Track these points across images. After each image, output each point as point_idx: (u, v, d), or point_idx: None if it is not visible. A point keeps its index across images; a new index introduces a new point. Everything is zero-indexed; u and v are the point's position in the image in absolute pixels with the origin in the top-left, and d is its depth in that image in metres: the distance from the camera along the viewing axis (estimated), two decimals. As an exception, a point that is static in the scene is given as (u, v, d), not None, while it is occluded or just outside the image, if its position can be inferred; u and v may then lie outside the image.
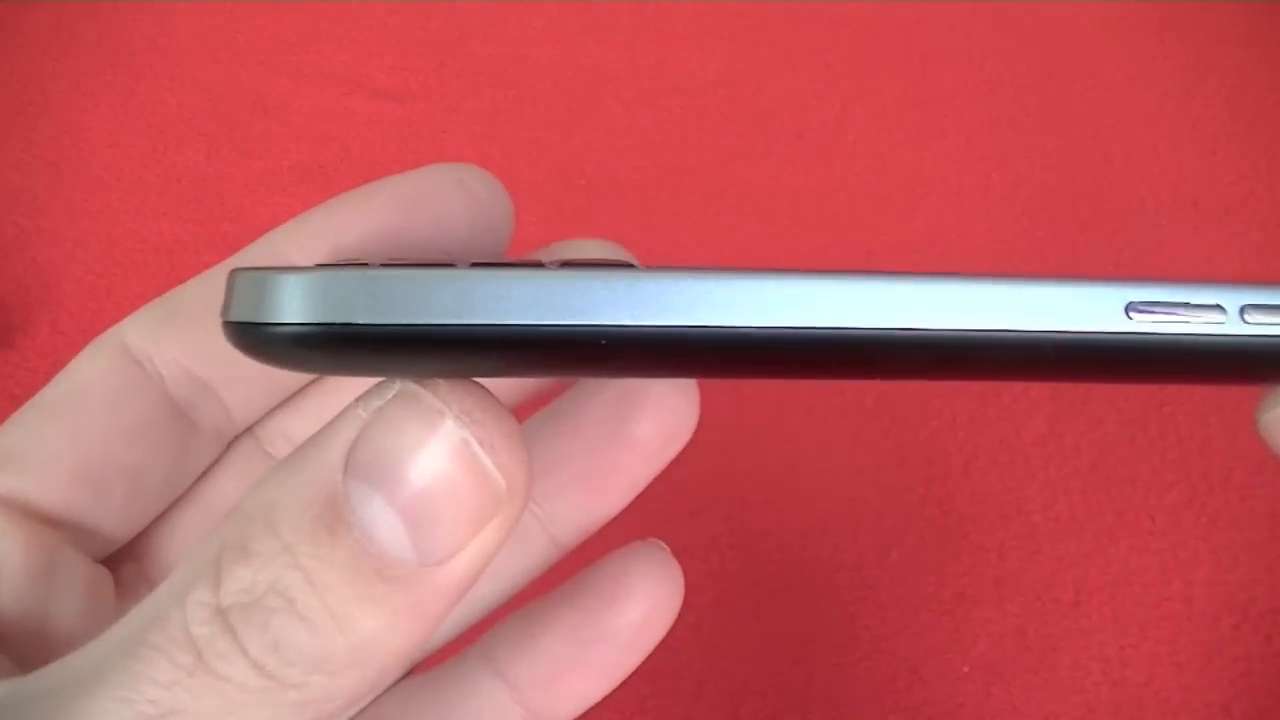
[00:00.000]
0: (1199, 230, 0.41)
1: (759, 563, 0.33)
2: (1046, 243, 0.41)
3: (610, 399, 0.18)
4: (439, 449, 0.12)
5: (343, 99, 0.44)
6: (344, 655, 0.12)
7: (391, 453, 0.12)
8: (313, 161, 0.42)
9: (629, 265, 0.13)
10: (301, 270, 0.12)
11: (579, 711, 0.18)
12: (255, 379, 0.18)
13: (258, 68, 0.45)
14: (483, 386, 0.13)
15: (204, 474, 0.19)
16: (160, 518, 0.18)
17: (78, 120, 0.43)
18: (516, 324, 0.12)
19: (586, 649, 0.18)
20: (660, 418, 0.18)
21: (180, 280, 0.18)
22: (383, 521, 0.12)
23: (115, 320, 0.18)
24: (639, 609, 0.18)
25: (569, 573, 0.19)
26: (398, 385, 0.13)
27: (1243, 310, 0.13)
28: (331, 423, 0.13)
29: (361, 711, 0.18)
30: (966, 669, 0.31)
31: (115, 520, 0.17)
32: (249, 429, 0.19)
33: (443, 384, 0.13)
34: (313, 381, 0.19)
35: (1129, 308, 0.13)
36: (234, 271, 0.12)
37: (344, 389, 0.13)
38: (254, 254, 0.17)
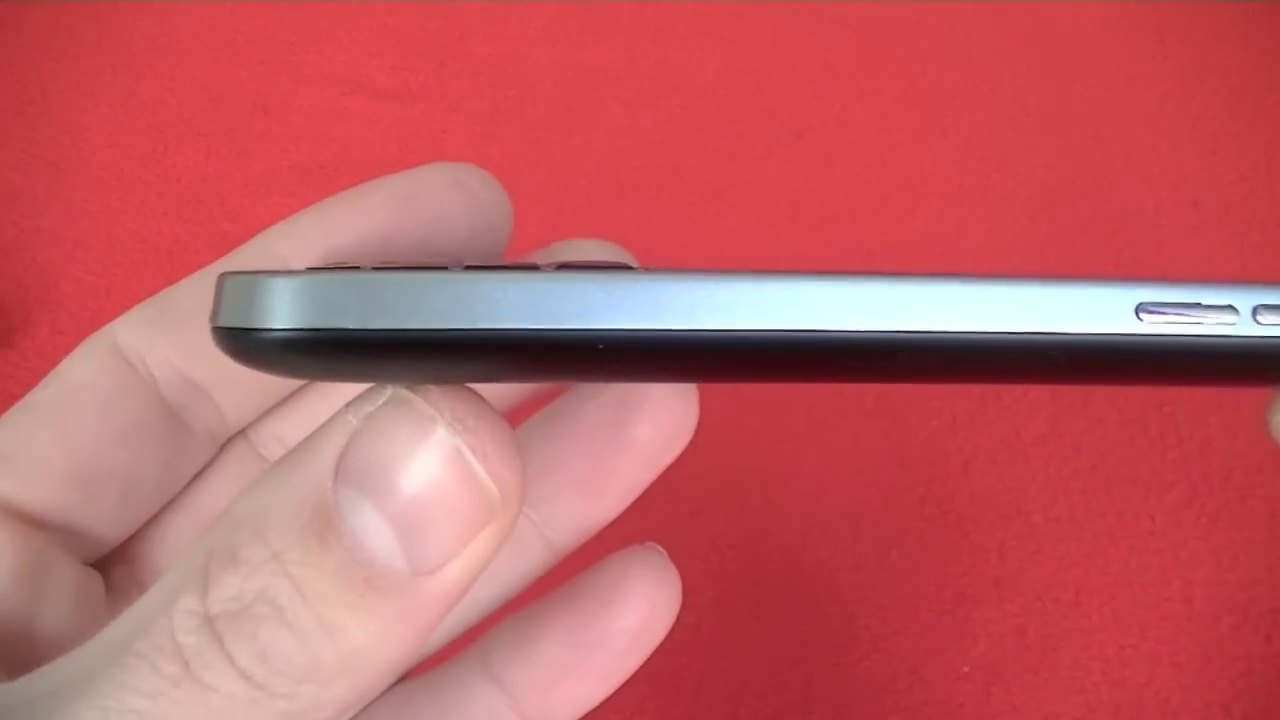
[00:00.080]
0: (1199, 230, 0.41)
1: (759, 563, 0.33)
2: (1047, 243, 0.41)
3: (608, 402, 0.18)
4: (431, 457, 0.12)
5: (343, 99, 0.44)
6: (333, 665, 0.12)
7: (382, 460, 0.12)
8: (313, 161, 0.42)
9: (627, 267, 0.12)
10: (291, 274, 0.12)
11: (576, 716, 0.18)
12: (249, 381, 0.18)
13: (258, 68, 0.45)
14: (476, 392, 0.13)
15: (197, 476, 0.19)
16: (152, 520, 0.18)
17: (78, 120, 0.43)
18: (511, 328, 0.12)
19: (583, 653, 0.18)
20: (659, 421, 0.18)
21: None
22: (373, 530, 0.12)
23: (115, 320, 0.18)
24: (636, 614, 0.18)
25: (566, 576, 0.19)
26: (389, 391, 0.12)
27: (1255, 311, 0.13)
28: (322, 428, 0.13)
29: (355, 716, 0.18)
30: (966, 669, 0.31)
31: (106, 523, 0.17)
32: (242, 431, 0.19)
33: (435, 390, 0.12)
34: (308, 383, 0.18)
35: (1139, 309, 0.12)
36: (223, 275, 0.12)
37: (339, 391, 0.13)
38: (247, 254, 0.17)
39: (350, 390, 0.13)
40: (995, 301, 0.12)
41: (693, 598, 0.32)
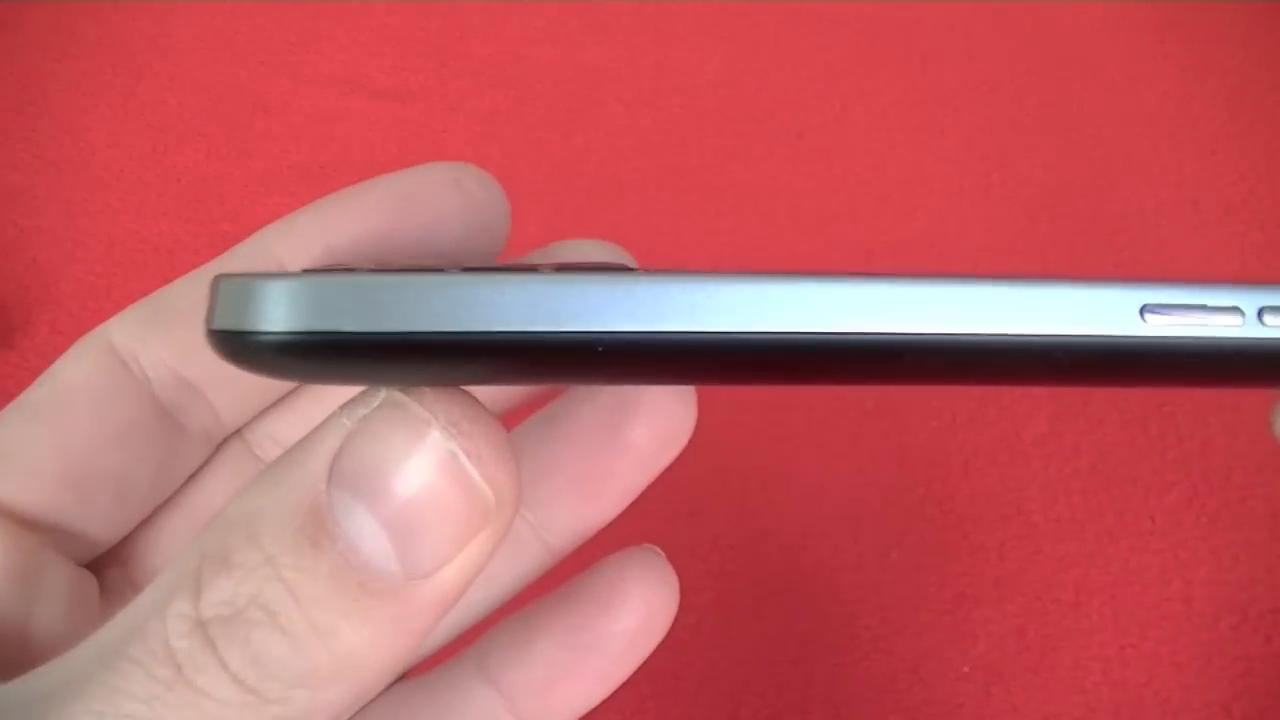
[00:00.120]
0: (1199, 230, 0.41)
1: (759, 563, 0.33)
2: (1047, 243, 0.41)
3: (605, 404, 0.18)
4: (425, 461, 0.12)
5: (343, 99, 0.44)
6: (327, 670, 0.12)
7: (376, 463, 0.12)
8: (313, 161, 0.42)
9: (626, 269, 0.12)
10: (286, 276, 0.12)
11: (573, 718, 0.18)
12: (244, 381, 0.17)
13: (258, 68, 0.45)
14: (470, 395, 0.13)
15: (192, 477, 0.18)
16: (147, 521, 0.18)
17: (78, 120, 0.43)
18: (509, 331, 0.11)
19: (580, 655, 0.18)
20: (656, 423, 0.18)
21: (179, 280, 0.18)
22: (367, 533, 0.12)
23: (115, 321, 0.18)
24: (633, 616, 0.18)
25: (563, 577, 0.19)
26: (383, 393, 0.12)
27: (1261, 312, 0.12)
28: (316, 431, 0.13)
29: (350, 717, 0.18)
30: (966, 669, 0.31)
31: (100, 524, 0.17)
32: (238, 431, 0.19)
33: (429, 392, 0.12)
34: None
35: (1144, 310, 0.12)
36: (218, 278, 0.12)
37: (334, 391, 0.13)
38: (243, 253, 0.17)
39: (346, 390, 0.13)
40: (997, 303, 0.12)
41: (693, 598, 0.32)
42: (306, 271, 0.12)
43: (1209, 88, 0.45)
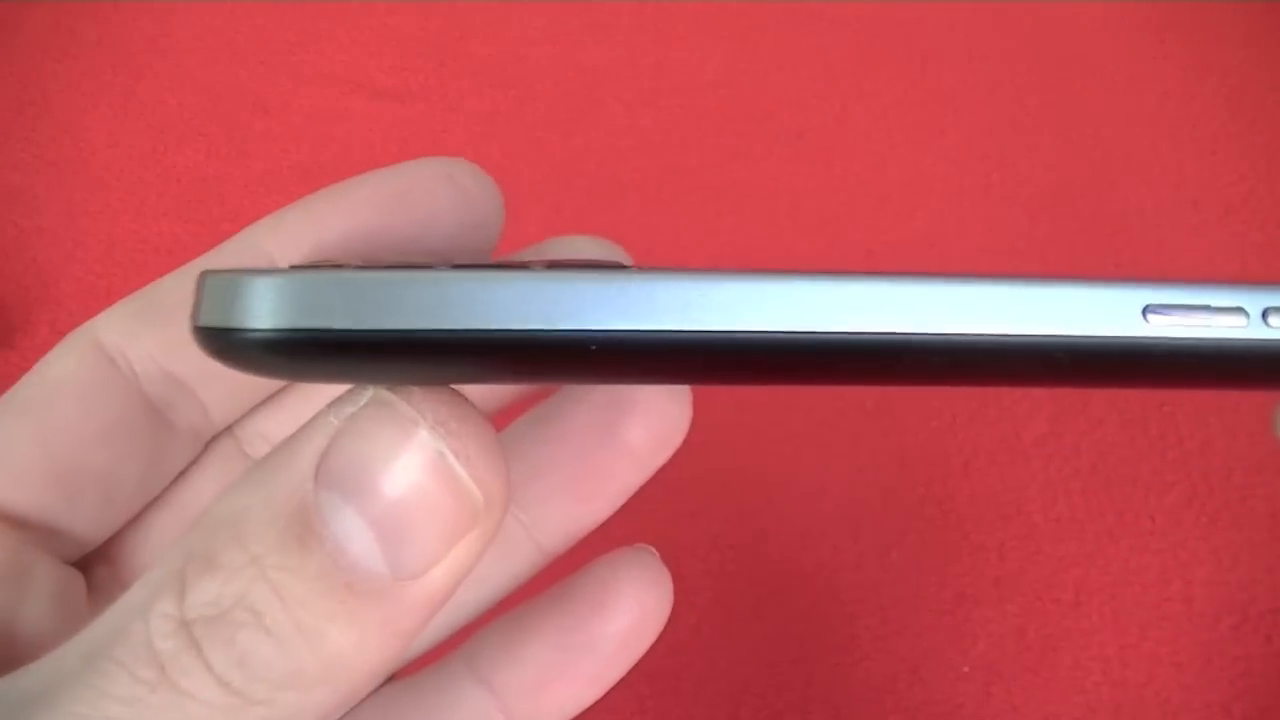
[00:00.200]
0: (1199, 230, 0.41)
1: (759, 563, 0.33)
2: (1047, 243, 0.41)
3: (599, 403, 0.18)
4: (412, 461, 0.12)
5: (343, 99, 0.44)
6: (313, 672, 0.12)
7: (364, 463, 0.12)
8: (313, 161, 0.42)
9: (619, 266, 0.12)
10: (273, 273, 0.11)
11: (565, 719, 0.18)
12: (234, 377, 0.17)
13: (258, 68, 0.45)
14: (459, 394, 0.13)
15: (181, 475, 0.18)
16: (135, 520, 0.18)
17: (78, 120, 0.43)
18: (499, 329, 0.11)
19: (573, 656, 0.17)
20: (651, 423, 0.17)
21: (179, 281, 0.18)
22: (355, 533, 0.12)
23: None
24: (626, 617, 0.17)
25: (556, 576, 0.18)
26: (370, 391, 0.12)
27: (1265, 313, 0.12)
28: (302, 429, 0.12)
29: (339, 718, 0.18)
30: (966, 669, 0.31)
31: (87, 522, 0.17)
32: (228, 428, 0.18)
33: (417, 391, 0.12)
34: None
35: (1146, 310, 0.12)
36: (203, 274, 0.12)
37: (327, 390, 0.13)
38: (232, 250, 0.17)
39: (336, 388, 0.13)
40: (997, 302, 0.12)
41: (693, 598, 0.32)
42: (293, 268, 0.12)
43: (1209, 88, 0.45)
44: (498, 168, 0.18)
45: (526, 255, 0.18)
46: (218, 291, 0.12)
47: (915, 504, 0.34)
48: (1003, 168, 0.43)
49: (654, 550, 0.18)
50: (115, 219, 0.40)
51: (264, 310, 0.11)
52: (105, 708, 0.12)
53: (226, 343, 0.11)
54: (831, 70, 0.46)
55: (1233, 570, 0.33)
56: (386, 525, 0.12)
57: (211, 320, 0.12)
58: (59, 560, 0.17)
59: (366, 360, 0.11)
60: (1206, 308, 0.12)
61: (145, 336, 0.17)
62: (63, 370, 0.17)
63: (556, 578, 0.18)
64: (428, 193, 0.16)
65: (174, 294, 0.17)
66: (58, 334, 0.39)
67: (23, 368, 0.17)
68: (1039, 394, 0.36)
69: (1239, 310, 0.12)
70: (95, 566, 0.18)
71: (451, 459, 0.12)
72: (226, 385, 0.18)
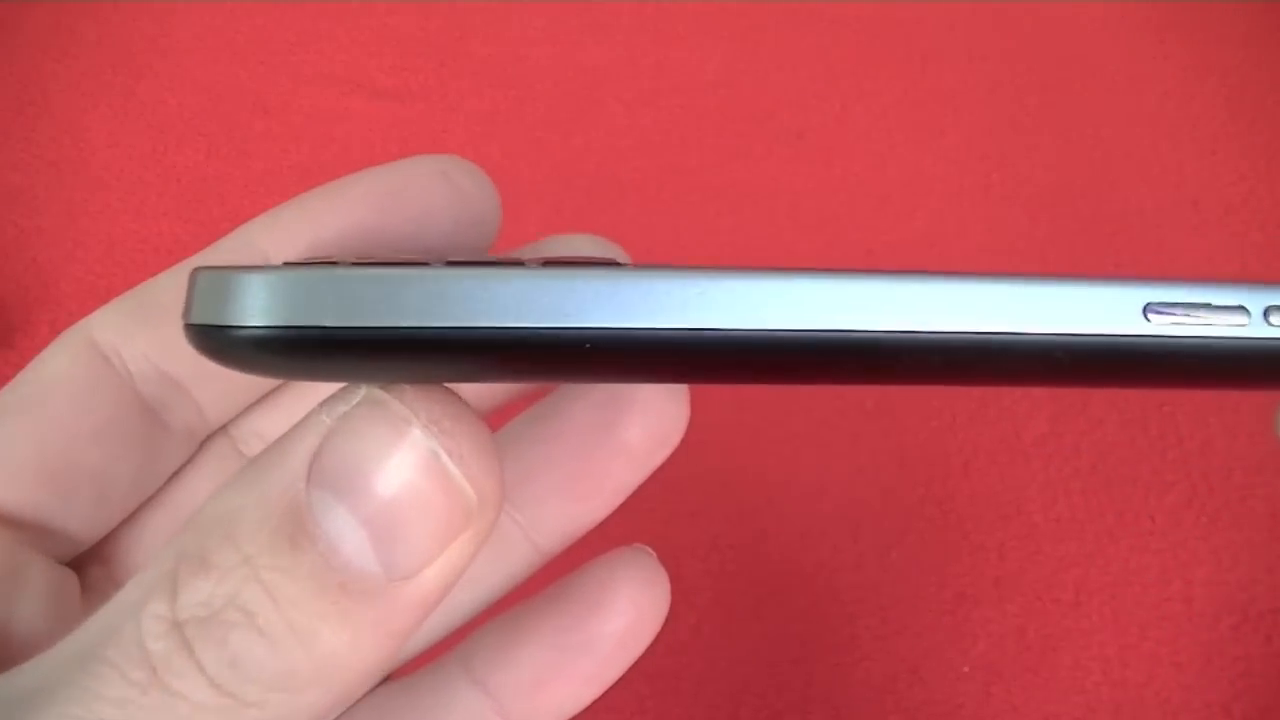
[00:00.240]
0: (1199, 230, 0.41)
1: (759, 563, 0.33)
2: (1047, 243, 0.41)
3: (596, 402, 0.17)
4: (405, 460, 0.12)
5: (343, 99, 0.44)
6: (305, 673, 0.12)
7: (356, 462, 0.12)
8: (313, 161, 0.42)
9: (614, 264, 0.12)
10: (265, 269, 0.11)
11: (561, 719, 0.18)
12: (228, 376, 0.17)
13: (258, 68, 0.45)
14: (453, 393, 0.12)
15: (176, 474, 0.18)
16: (130, 519, 0.18)
17: (78, 120, 0.43)
18: (493, 327, 0.11)
19: (569, 657, 0.17)
20: (648, 423, 0.17)
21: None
22: (347, 533, 0.12)
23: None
24: (623, 617, 0.17)
25: (553, 576, 0.18)
26: (363, 390, 0.12)
27: (1267, 312, 0.12)
28: (295, 428, 0.12)
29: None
30: (966, 669, 0.31)
31: (80, 522, 0.17)
32: (223, 428, 0.18)
33: (410, 390, 0.12)
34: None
35: (1147, 309, 0.12)
36: (195, 270, 0.12)
37: (322, 388, 0.13)
38: (227, 247, 0.17)
39: (330, 386, 0.13)
40: (997, 301, 0.12)
41: (693, 598, 0.32)
42: (286, 265, 0.12)
43: (1209, 88, 0.45)
44: (498, 167, 0.18)
45: (523, 253, 0.18)
46: (209, 288, 0.11)
47: (915, 504, 0.34)
48: (1003, 168, 0.43)
49: (651, 550, 0.18)
50: (115, 219, 0.40)
51: (256, 307, 0.11)
52: (97, 709, 0.11)
53: (218, 340, 0.11)
54: (831, 70, 0.46)
55: (1233, 570, 0.33)
56: (379, 525, 0.12)
57: (203, 318, 0.11)
58: (53, 560, 0.17)
59: (359, 358, 0.11)
60: (1208, 306, 0.12)
61: (139, 335, 0.17)
62: (57, 369, 0.17)
63: (553, 578, 0.18)
64: (423, 190, 0.16)
65: (168, 292, 0.17)
66: (57, 334, 0.39)
67: (22, 368, 0.17)
68: (1039, 394, 0.36)
69: (1240, 309, 0.12)
70: (89, 566, 0.18)
71: (445, 458, 0.12)
72: (221, 384, 0.18)
